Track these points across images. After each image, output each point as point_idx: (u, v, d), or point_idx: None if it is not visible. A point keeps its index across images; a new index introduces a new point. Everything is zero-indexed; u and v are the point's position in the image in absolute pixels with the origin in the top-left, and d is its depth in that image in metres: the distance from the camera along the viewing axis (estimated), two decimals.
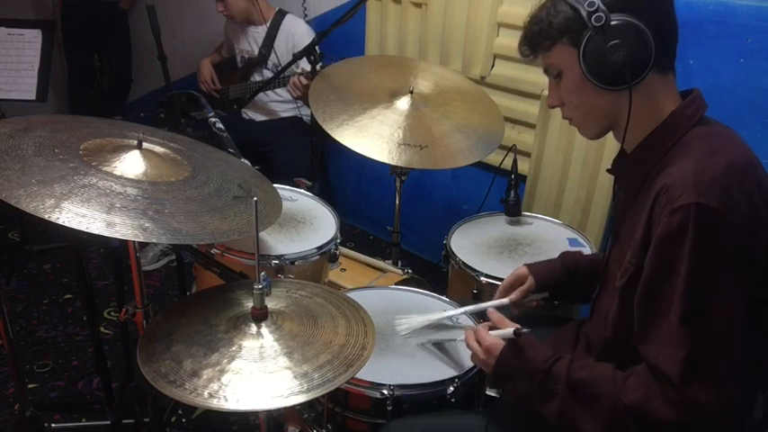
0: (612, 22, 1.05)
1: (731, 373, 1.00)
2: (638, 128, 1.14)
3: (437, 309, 1.63)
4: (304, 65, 2.45)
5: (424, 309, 1.63)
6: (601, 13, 1.05)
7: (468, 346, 1.30)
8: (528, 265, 1.54)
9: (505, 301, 1.52)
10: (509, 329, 1.21)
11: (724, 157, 1.03)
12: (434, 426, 1.32)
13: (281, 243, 1.91)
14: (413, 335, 1.52)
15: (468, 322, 1.58)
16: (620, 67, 1.07)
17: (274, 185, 1.58)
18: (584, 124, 1.21)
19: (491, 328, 1.28)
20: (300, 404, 1.20)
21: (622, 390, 1.05)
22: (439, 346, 1.51)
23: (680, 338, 0.99)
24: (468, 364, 1.41)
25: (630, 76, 1.07)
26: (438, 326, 1.56)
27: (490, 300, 1.56)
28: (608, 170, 1.26)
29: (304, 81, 2.54)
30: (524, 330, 1.20)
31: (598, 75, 1.09)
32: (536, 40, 1.15)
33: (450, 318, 1.57)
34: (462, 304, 1.65)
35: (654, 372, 1.03)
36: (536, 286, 1.50)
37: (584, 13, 1.06)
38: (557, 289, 1.52)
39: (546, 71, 1.20)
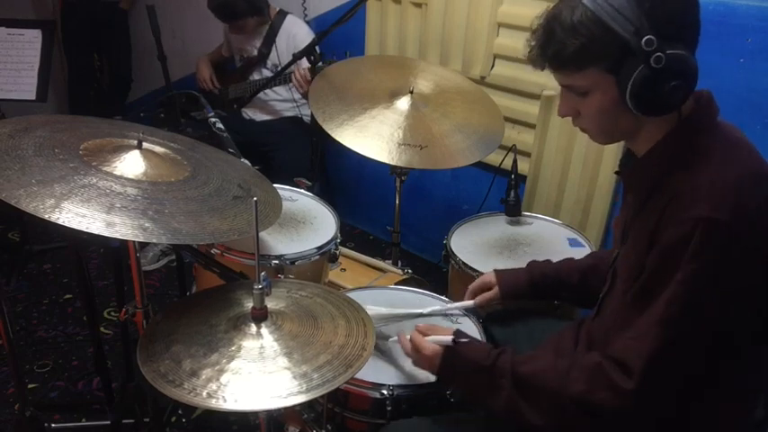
0: (667, 54, 0.99)
1: (679, 383, 1.06)
2: (653, 132, 1.11)
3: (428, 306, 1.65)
4: (304, 66, 2.45)
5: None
6: (660, 54, 0.98)
7: (406, 353, 1.34)
8: (497, 272, 1.59)
9: (471, 303, 1.59)
10: (448, 337, 1.23)
11: (737, 169, 1.03)
12: (434, 427, 1.32)
13: (281, 243, 1.91)
14: (378, 322, 1.50)
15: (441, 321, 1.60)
16: (674, 102, 1.03)
17: (274, 185, 1.58)
18: (601, 136, 1.17)
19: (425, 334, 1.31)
20: (300, 404, 1.20)
21: (566, 381, 1.10)
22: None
23: (653, 337, 1.02)
24: None
25: (680, 104, 1.05)
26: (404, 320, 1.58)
27: None
28: (616, 172, 1.25)
29: (308, 75, 2.52)
30: (463, 340, 1.24)
31: (643, 106, 1.04)
32: (563, 61, 1.07)
33: (420, 315, 1.59)
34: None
35: (614, 361, 1.06)
36: (500, 296, 1.56)
37: (634, 47, 0.99)
38: (521, 300, 1.57)
39: (565, 86, 1.13)
